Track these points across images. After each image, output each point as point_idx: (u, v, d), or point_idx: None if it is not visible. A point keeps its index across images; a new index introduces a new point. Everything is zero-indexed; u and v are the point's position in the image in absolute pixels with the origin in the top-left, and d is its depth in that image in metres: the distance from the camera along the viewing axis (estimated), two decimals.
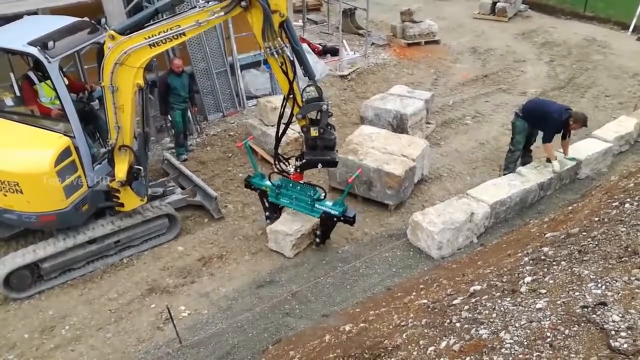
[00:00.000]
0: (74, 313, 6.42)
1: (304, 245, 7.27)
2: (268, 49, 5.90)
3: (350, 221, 6.91)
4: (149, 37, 5.84)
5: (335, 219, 6.92)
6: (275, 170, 7.07)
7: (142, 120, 6.68)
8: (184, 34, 5.92)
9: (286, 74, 6.13)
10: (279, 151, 7.08)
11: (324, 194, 7.02)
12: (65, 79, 6.89)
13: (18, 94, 7.49)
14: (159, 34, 5.85)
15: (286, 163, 7.05)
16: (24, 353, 5.90)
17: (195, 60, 10.38)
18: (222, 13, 5.82)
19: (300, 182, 6.97)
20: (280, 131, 6.79)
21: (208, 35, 10.35)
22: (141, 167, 6.80)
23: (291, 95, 6.28)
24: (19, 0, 7.95)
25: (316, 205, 6.94)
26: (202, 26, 5.89)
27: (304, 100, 6.31)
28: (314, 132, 6.42)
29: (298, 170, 6.85)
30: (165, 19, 5.96)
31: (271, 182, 7.25)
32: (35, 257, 6.54)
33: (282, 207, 7.48)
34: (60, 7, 8.19)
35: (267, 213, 7.57)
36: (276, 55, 5.96)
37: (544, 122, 7.98)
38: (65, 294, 6.73)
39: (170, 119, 9.38)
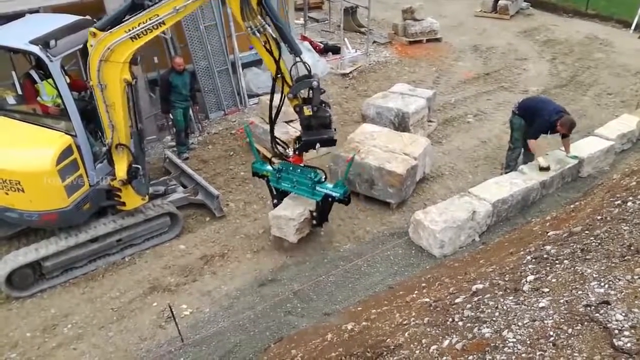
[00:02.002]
0: (76, 312, 6.42)
1: (307, 230, 7.16)
2: (249, 29, 5.85)
3: (345, 201, 6.79)
4: (130, 30, 5.79)
5: (330, 199, 6.79)
6: (275, 151, 6.96)
7: (135, 118, 6.62)
8: (163, 22, 5.86)
9: (271, 52, 6.04)
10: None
11: (324, 176, 6.89)
12: (67, 77, 6.89)
13: (20, 92, 7.49)
14: (139, 26, 5.80)
15: (284, 146, 6.96)
16: (26, 352, 5.91)
17: (196, 58, 10.37)
18: None
19: (300, 164, 6.84)
20: (274, 114, 6.65)
21: (209, 34, 10.35)
22: (139, 166, 6.77)
23: (279, 75, 6.18)
24: None
25: (317, 188, 6.79)
26: (179, 13, 5.83)
27: (293, 79, 6.20)
28: (307, 111, 6.28)
29: (297, 153, 6.73)
30: (143, 10, 5.86)
31: (272, 167, 7.12)
32: (37, 256, 6.54)
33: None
34: (61, 5, 8.19)
35: (274, 201, 7.36)
36: (258, 34, 5.90)
37: (534, 119, 7.99)
38: (67, 292, 6.73)
39: (171, 117, 9.39)
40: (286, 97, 6.35)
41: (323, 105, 6.35)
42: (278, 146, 6.93)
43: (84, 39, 6.57)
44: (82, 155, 6.55)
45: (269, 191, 7.45)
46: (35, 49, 6.00)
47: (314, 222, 7.13)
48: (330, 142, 6.61)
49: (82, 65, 6.24)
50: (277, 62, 6.09)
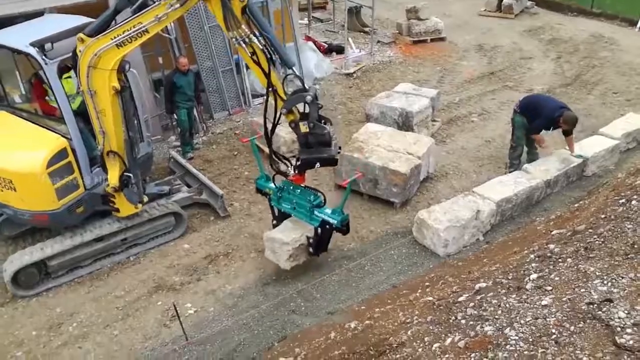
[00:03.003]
0: (81, 310, 6.45)
1: (303, 259, 6.64)
2: (234, 39, 5.60)
3: (343, 231, 6.30)
4: (115, 37, 5.74)
5: (327, 226, 6.28)
6: (273, 170, 6.53)
7: (126, 125, 6.51)
8: (147, 31, 5.76)
9: (259, 64, 5.72)
10: (278, 150, 6.62)
11: (324, 200, 6.36)
12: (76, 79, 6.92)
13: (23, 91, 7.55)
14: (123, 33, 5.74)
15: (287, 163, 6.57)
16: (31, 350, 5.95)
17: (201, 58, 10.40)
18: (178, 5, 5.62)
19: (301, 185, 6.38)
20: (270, 128, 6.23)
21: (213, 34, 10.37)
22: (131, 174, 6.69)
23: (271, 89, 5.82)
24: (25, 0, 7.98)
25: (315, 213, 6.30)
26: (162, 21, 5.72)
27: (286, 92, 5.85)
28: (303, 127, 5.85)
29: (296, 172, 6.28)
30: (129, 18, 5.78)
31: (274, 185, 6.70)
32: (42, 255, 6.58)
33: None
34: (66, 6, 8.21)
35: (274, 222, 6.92)
36: (244, 45, 5.59)
37: (537, 116, 8.00)
38: (72, 291, 6.77)
39: (175, 117, 9.42)
40: (281, 114, 5.93)
41: (322, 121, 5.87)
42: (279, 163, 6.53)
43: None
44: (77, 158, 6.55)
45: (271, 210, 7.01)
46: (32, 51, 6.02)
47: (311, 249, 6.56)
48: (331, 162, 6.16)
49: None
50: (267, 75, 5.75)
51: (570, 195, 7.94)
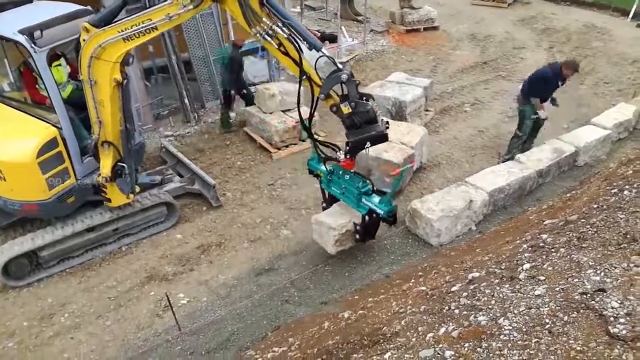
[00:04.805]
0: (73, 301, 6.42)
1: (349, 244, 6.54)
2: (258, 35, 5.48)
3: (390, 221, 6.09)
4: (122, 31, 5.64)
5: (375, 215, 6.17)
6: (321, 156, 6.39)
7: (123, 117, 6.44)
8: (155, 27, 5.67)
9: (288, 54, 5.59)
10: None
11: (372, 188, 6.19)
12: (68, 67, 6.82)
13: (12, 80, 7.44)
14: (131, 28, 5.64)
15: (335, 148, 6.34)
16: (23, 340, 5.92)
17: (192, 47, 10.30)
18: (191, 6, 5.53)
19: (350, 170, 6.19)
20: (307, 115, 6.11)
21: (205, 22, 10.27)
22: (125, 165, 6.64)
23: (305, 77, 5.66)
24: None
25: (363, 200, 6.13)
26: (173, 20, 5.63)
27: (321, 77, 5.63)
28: (345, 109, 5.64)
29: (348, 156, 6.07)
30: (138, 13, 5.70)
31: (325, 168, 6.52)
32: (33, 245, 6.54)
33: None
34: None
35: (324, 204, 6.84)
36: (269, 38, 5.47)
37: (545, 87, 8.17)
38: (64, 282, 6.73)
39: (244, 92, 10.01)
40: (320, 100, 5.72)
41: (363, 98, 5.70)
42: (324, 150, 6.38)
43: (76, 30, 6.50)
44: (68, 148, 6.47)
45: (321, 193, 6.90)
46: (21, 39, 5.92)
47: (357, 236, 6.47)
48: (382, 139, 5.90)
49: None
50: (299, 64, 5.58)
51: (562, 185, 7.98)
